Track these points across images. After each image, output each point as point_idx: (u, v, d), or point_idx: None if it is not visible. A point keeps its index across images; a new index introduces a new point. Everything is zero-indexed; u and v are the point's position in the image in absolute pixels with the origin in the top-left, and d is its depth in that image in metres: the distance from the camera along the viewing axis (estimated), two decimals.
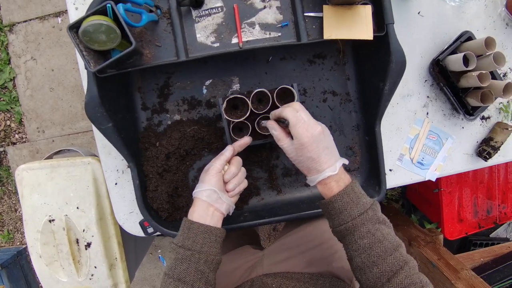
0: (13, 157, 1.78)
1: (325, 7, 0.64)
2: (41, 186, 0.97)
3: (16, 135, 1.79)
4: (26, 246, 1.01)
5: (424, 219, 1.52)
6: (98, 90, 0.63)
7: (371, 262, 0.54)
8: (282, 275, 0.71)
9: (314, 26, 0.66)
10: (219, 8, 0.67)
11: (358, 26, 0.62)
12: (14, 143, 1.79)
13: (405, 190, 1.73)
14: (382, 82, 0.69)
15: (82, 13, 0.76)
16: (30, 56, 1.71)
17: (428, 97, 0.84)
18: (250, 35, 0.67)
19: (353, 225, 0.56)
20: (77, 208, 0.96)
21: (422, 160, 0.85)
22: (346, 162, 0.63)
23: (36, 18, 1.69)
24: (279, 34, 0.66)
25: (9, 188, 1.82)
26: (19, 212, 1.83)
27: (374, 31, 0.64)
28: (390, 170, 0.87)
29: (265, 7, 0.66)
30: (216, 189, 0.65)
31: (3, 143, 1.78)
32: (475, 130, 0.87)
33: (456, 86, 0.78)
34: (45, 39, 1.70)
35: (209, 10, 0.66)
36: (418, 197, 1.55)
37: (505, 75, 0.86)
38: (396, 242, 0.56)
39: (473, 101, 0.77)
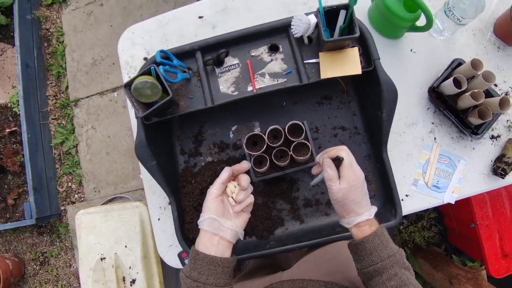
0: (72, 215, 2.01)
1: (320, 54, 0.78)
2: (96, 228, 1.12)
3: (76, 195, 2.03)
4: None
5: (467, 258, 1.42)
6: (145, 134, 0.80)
7: None
8: (298, 281, 0.74)
9: (313, 70, 0.80)
10: (236, 65, 0.84)
11: (349, 64, 0.75)
12: (73, 202, 2.03)
13: (446, 233, 1.66)
14: (380, 111, 0.79)
15: None
16: (91, 126, 2.03)
17: (433, 123, 0.91)
18: (262, 83, 0.82)
19: (382, 266, 0.58)
20: (125, 246, 1.08)
21: (437, 184, 0.89)
22: (376, 209, 0.66)
23: (97, 93, 2.04)
24: (285, 79, 0.81)
25: (66, 244, 2.01)
26: (73, 267, 1.99)
27: (364, 67, 0.76)
28: (407, 195, 0.91)
29: (272, 60, 0.82)
30: (216, 216, 0.65)
31: (64, 202, 2.03)
32: (487, 149, 0.90)
33: (455, 108, 0.85)
34: (104, 110, 2.03)
35: (229, 67, 0.84)
36: (459, 238, 1.48)
37: (506, 94, 0.92)
38: (419, 287, 0.58)
39: (473, 120, 0.82)
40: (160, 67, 0.71)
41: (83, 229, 1.13)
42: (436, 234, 1.64)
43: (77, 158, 2.03)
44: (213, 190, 0.68)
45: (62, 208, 2.02)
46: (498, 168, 0.84)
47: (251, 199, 0.74)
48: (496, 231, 1.24)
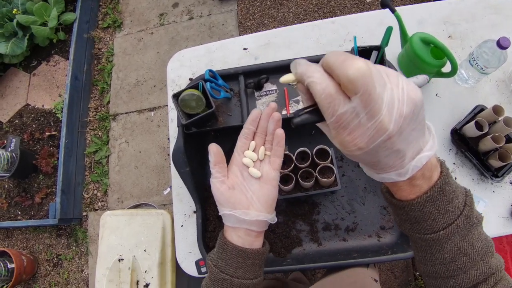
0: (92, 221, 2.08)
1: None
2: (119, 229, 1.18)
3: (99, 203, 2.12)
4: None
5: None
6: (183, 142, 0.88)
7: (447, 275, 0.43)
8: None
9: None
10: (274, 91, 0.93)
11: None
12: (96, 210, 2.11)
13: None
14: None
15: None
16: (125, 140, 2.16)
17: (454, 163, 0.95)
18: (296, 108, 0.90)
19: (434, 238, 0.41)
20: (144, 250, 1.12)
21: None
22: (433, 147, 0.39)
23: (135, 111, 2.20)
24: None
25: (81, 249, 2.06)
26: (84, 273, 2.02)
27: None
28: None
29: None
30: (230, 210, 0.56)
31: (87, 208, 2.11)
32: (507, 194, 0.92)
33: (477, 150, 0.89)
34: (139, 127, 2.16)
35: (267, 92, 0.93)
36: None
37: None
38: (485, 248, 0.42)
39: (494, 162, 0.86)
40: (208, 83, 0.81)
41: (107, 229, 1.19)
42: None
43: (106, 168, 2.15)
44: (213, 180, 0.58)
45: (84, 213, 2.10)
46: None
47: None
48: None
